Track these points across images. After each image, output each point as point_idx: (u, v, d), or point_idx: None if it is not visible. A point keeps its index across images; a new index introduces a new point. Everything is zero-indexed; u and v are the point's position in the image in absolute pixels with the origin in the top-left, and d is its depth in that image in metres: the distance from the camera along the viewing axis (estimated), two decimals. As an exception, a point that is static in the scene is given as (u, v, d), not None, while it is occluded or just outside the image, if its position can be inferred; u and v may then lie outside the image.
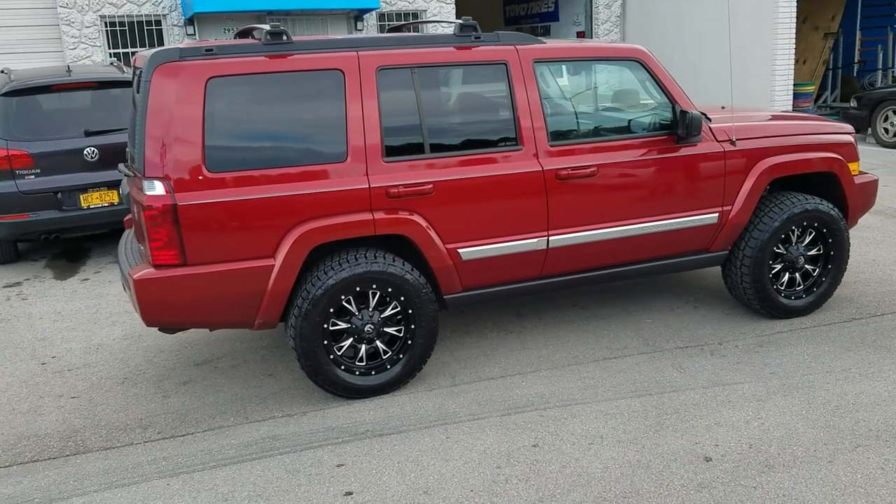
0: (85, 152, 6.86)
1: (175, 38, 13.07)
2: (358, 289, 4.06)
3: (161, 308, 3.89)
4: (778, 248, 4.93)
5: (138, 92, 3.86)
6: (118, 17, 12.79)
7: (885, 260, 6.21)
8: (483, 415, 3.98)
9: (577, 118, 4.64)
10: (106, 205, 6.99)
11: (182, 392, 4.48)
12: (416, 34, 4.43)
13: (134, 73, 4.66)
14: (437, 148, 4.16)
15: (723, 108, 5.43)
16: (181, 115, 3.76)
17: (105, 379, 4.73)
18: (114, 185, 6.97)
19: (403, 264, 4.13)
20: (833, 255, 5.05)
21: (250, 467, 3.61)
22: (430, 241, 4.15)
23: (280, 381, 4.54)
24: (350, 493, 3.35)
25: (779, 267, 4.97)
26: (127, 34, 12.89)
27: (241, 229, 3.87)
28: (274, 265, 3.92)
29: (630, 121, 4.62)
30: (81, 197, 6.89)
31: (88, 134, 6.91)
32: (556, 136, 4.37)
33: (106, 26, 12.79)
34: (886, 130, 11.59)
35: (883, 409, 3.82)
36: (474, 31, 4.28)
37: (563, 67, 4.70)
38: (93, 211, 6.96)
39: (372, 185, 4.01)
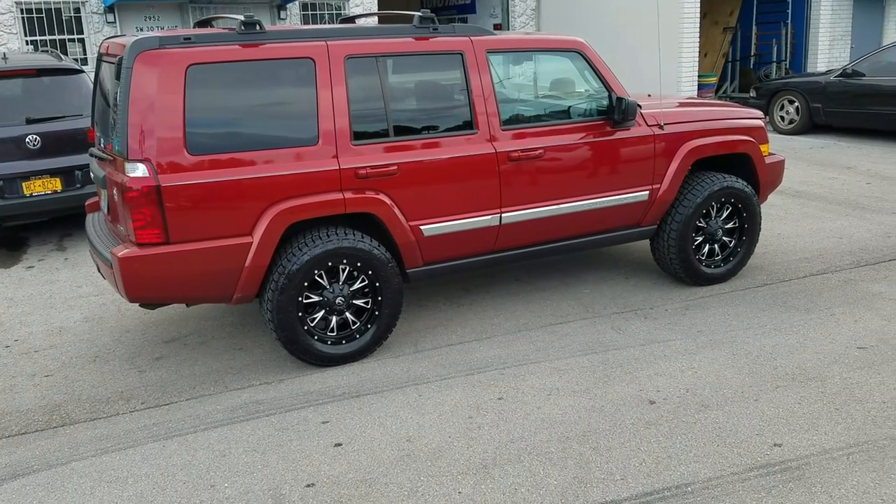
0: (27, 140, 6.86)
1: (95, 26, 12.85)
2: (329, 264, 4.37)
3: (144, 284, 4.11)
4: (700, 222, 5.50)
5: (118, 79, 4.04)
6: (35, 3, 12.49)
7: (788, 233, 6.91)
8: (449, 375, 4.36)
9: (525, 104, 5.07)
10: (49, 192, 7.00)
11: (157, 367, 4.69)
12: (380, 25, 4.76)
13: (100, 59, 4.82)
14: (400, 132, 4.51)
15: (649, 95, 5.97)
16: (162, 101, 3.97)
17: (75, 358, 4.87)
18: (56, 172, 7.00)
19: (371, 241, 4.47)
20: (747, 228, 5.66)
21: (240, 427, 3.89)
22: (395, 219, 4.50)
23: (251, 353, 4.80)
24: (339, 444, 3.68)
25: (700, 239, 5.54)
26: (45, 21, 12.59)
27: (220, 209, 4.12)
28: (252, 242, 4.19)
29: (571, 107, 5.08)
30: (24, 185, 6.89)
31: (30, 122, 6.90)
32: (508, 121, 4.79)
33: (22, 13, 12.47)
34: (782, 118, 12.55)
35: (796, 356, 4.41)
36: (432, 23, 4.64)
37: (513, 57, 5.11)
38: (35, 199, 6.96)
39: (342, 167, 4.32)
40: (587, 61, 5.03)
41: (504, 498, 3.20)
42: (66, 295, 6.06)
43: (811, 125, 12.19)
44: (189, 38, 4.07)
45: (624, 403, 3.95)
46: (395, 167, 4.44)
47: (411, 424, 3.84)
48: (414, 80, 4.73)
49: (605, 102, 5.07)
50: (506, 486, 3.28)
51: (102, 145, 4.68)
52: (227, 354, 4.81)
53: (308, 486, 3.36)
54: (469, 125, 4.67)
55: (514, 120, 4.85)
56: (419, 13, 4.64)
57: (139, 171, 3.98)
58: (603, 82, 5.05)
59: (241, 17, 4.23)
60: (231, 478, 3.46)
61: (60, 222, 8.18)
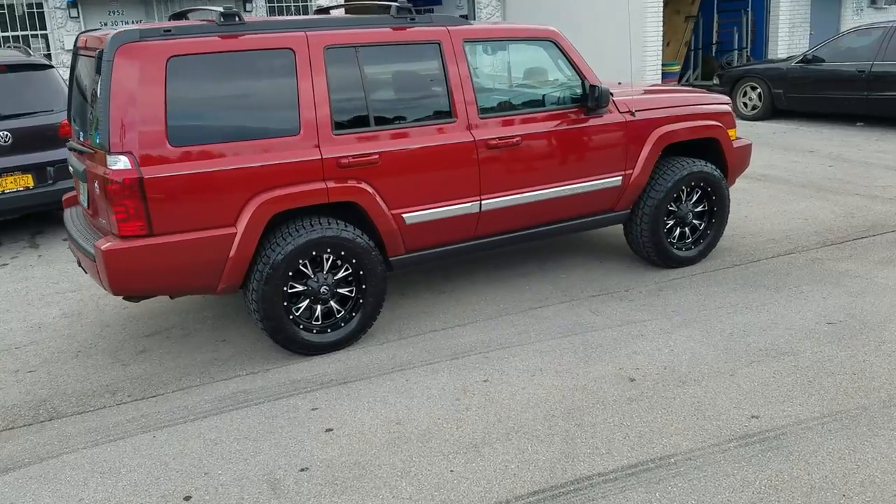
0: (-3, 136, 6.79)
1: (58, 21, 12.67)
2: (314, 253, 4.42)
3: (129, 277, 4.12)
4: (671, 205, 5.64)
5: (98, 72, 4.04)
6: (-7, -2, 12.28)
7: (755, 216, 7.10)
8: (434, 360, 4.44)
9: (501, 93, 5.16)
10: (21, 189, 6.94)
11: (140, 360, 4.70)
12: (359, 16, 4.81)
13: (76, 53, 4.80)
14: (380, 121, 4.57)
15: (620, 83, 6.09)
16: (143, 93, 3.98)
17: (57, 353, 4.86)
18: (28, 168, 6.94)
19: (354, 229, 4.52)
20: (716, 211, 5.81)
21: (230, 416, 3.93)
22: (378, 208, 4.56)
23: (235, 345, 4.84)
24: (330, 430, 3.74)
25: (671, 222, 5.68)
26: (6, 17, 12.37)
27: (203, 200, 4.14)
28: (236, 233, 4.22)
29: (546, 95, 5.18)
30: (-5, 182, 6.82)
31: (0, 118, 6.82)
32: (485, 109, 4.87)
33: (-19, 8, 12.27)
34: (745, 105, 12.80)
35: (768, 333, 4.57)
36: (409, 14, 4.70)
37: (489, 46, 5.20)
38: (7, 196, 6.89)
39: (324, 157, 4.37)
40: (560, 50, 5.13)
41: (495, 474, 3.30)
42: (42, 291, 6.02)
43: (774, 111, 12.47)
44: (169, 31, 4.09)
45: (605, 381, 4.07)
46: (376, 156, 4.50)
47: (400, 408, 3.91)
48: (393, 69, 4.79)
49: (579, 90, 5.18)
50: (496, 463, 3.38)
51: (81, 139, 4.67)
52: (210, 346, 4.84)
53: (302, 470, 3.42)
54: (448, 114, 4.74)
55: (492, 108, 4.94)
56: (396, 3, 4.70)
57: (121, 163, 3.99)
58: (576, 70, 5.15)
59: (220, 9, 4.25)
60: (224, 465, 3.51)
61: (32, 219, 8.09)
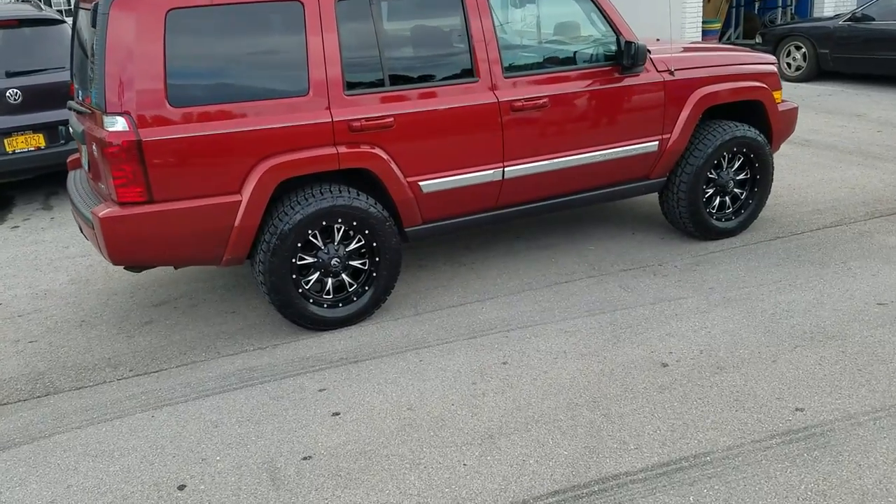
0: (7, 94, 6.56)
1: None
2: (324, 223, 4.14)
3: (128, 246, 3.88)
4: (711, 173, 5.26)
5: (94, 26, 3.76)
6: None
7: (798, 184, 6.67)
8: (450, 339, 4.17)
9: (528, 50, 4.78)
10: (32, 149, 6.73)
11: (145, 332, 4.49)
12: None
13: (76, 5, 4.52)
14: (396, 81, 4.23)
15: (657, 40, 5.67)
16: (141, 49, 3.70)
17: (60, 322, 4.67)
18: (39, 128, 6.72)
19: (367, 198, 4.23)
20: (759, 179, 5.42)
21: (233, 396, 3.70)
22: (392, 175, 4.25)
23: (244, 317, 4.60)
24: (337, 414, 3.49)
25: (711, 191, 5.31)
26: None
27: (205, 165, 3.87)
28: (241, 201, 3.95)
29: (577, 52, 4.79)
30: (5, 141, 6.61)
31: (10, 75, 6.60)
32: (510, 68, 4.50)
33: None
34: (789, 65, 12.19)
35: (813, 314, 4.21)
36: (428, -36, 4.33)
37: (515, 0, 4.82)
38: (18, 156, 6.69)
39: (335, 119, 4.06)
40: (594, 3, 4.72)
41: (511, 470, 3.02)
42: (51, 256, 5.83)
43: (819, 72, 11.85)
44: (167, -19, 3.78)
45: (635, 366, 3.76)
46: (391, 119, 4.18)
47: (412, 392, 3.65)
48: (410, 24, 4.43)
49: (613, 47, 4.78)
50: (513, 457, 3.11)
51: (81, 98, 4.41)
52: (218, 318, 4.61)
53: (305, 458, 3.18)
54: (469, 73, 4.39)
55: (518, 67, 4.57)
56: (414, -48, 4.33)
57: (118, 125, 3.72)
58: (611, 25, 4.75)
59: (223, -42, 3.92)
60: (223, 450, 3.28)
61: (46, 180, 7.92)
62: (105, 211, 3.81)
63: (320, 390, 3.71)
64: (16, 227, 6.60)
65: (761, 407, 3.36)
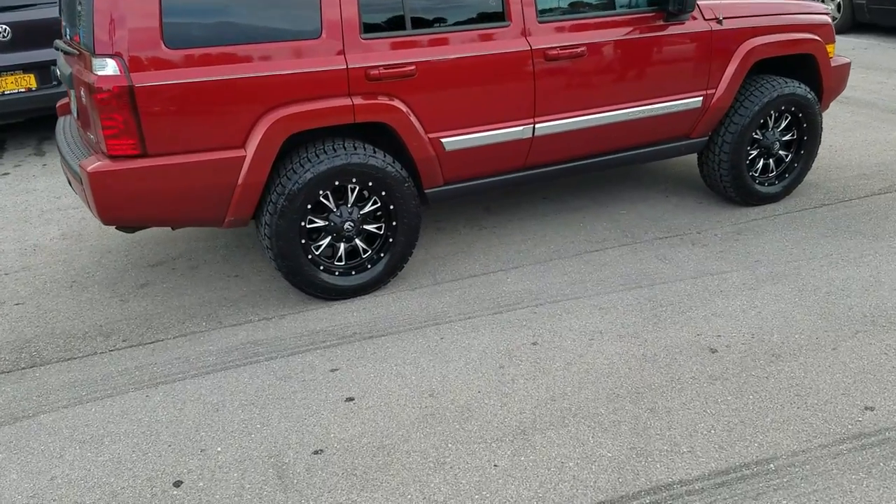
0: (-7, 31, 6.10)
1: None
2: (336, 183, 3.74)
3: (120, 204, 3.49)
4: (756, 133, 4.83)
5: (78, -45, 3.31)
6: None
7: (841, 146, 6.23)
8: (473, 314, 3.80)
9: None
10: (22, 90, 6.29)
11: (141, 296, 4.13)
12: None
13: (61, -66, 4.04)
14: (419, 23, 3.78)
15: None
16: (133, -17, 3.25)
17: (50, 283, 4.31)
18: (30, 67, 6.26)
19: (385, 156, 3.82)
20: (806, 140, 4.99)
21: (236, 374, 3.35)
22: (413, 130, 3.83)
23: (248, 282, 4.23)
24: (352, 399, 3.15)
25: (755, 153, 4.88)
26: None
27: (205, 114, 3.45)
28: (245, 156, 3.55)
29: (618, -4, 4.31)
30: (-7, 82, 6.17)
31: (-3, 10, 6.13)
32: (545, 11, 4.05)
33: None
34: (834, 19, 11.58)
35: (873, 294, 3.83)
36: None
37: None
38: (7, 97, 6.26)
39: (350, 66, 3.62)
40: (640, -59, 4.24)
41: (550, 475, 2.68)
42: (43, 207, 5.45)
43: (853, 23, 11.26)
44: None
45: (680, 352, 3.40)
46: (412, 67, 3.74)
47: (434, 375, 3.29)
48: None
49: (659, -9, 4.31)
50: (550, 458, 2.76)
51: (69, 37, 3.97)
52: (220, 282, 4.24)
53: (315, 452, 2.85)
54: (500, 16, 3.94)
55: (553, 10, 4.10)
56: None
57: (109, 68, 3.30)
58: (658, -33, 4.27)
59: None
60: (225, 439, 2.94)
61: (39, 124, 7.48)
62: (94, 165, 3.41)
63: (332, 370, 3.35)
64: (6, 174, 6.20)
65: (826, 404, 3.00)
